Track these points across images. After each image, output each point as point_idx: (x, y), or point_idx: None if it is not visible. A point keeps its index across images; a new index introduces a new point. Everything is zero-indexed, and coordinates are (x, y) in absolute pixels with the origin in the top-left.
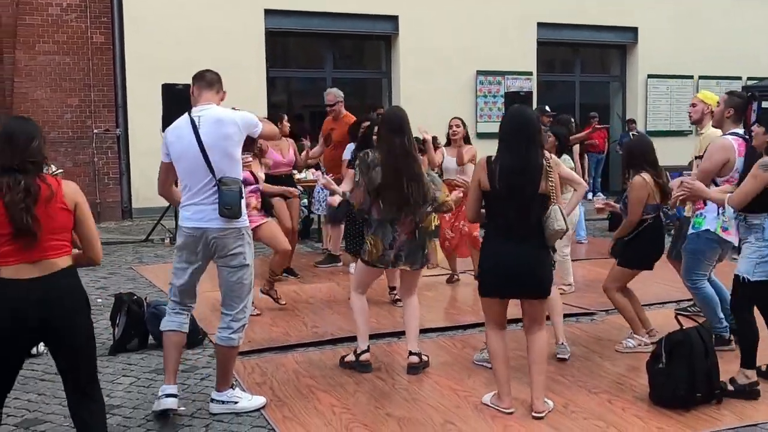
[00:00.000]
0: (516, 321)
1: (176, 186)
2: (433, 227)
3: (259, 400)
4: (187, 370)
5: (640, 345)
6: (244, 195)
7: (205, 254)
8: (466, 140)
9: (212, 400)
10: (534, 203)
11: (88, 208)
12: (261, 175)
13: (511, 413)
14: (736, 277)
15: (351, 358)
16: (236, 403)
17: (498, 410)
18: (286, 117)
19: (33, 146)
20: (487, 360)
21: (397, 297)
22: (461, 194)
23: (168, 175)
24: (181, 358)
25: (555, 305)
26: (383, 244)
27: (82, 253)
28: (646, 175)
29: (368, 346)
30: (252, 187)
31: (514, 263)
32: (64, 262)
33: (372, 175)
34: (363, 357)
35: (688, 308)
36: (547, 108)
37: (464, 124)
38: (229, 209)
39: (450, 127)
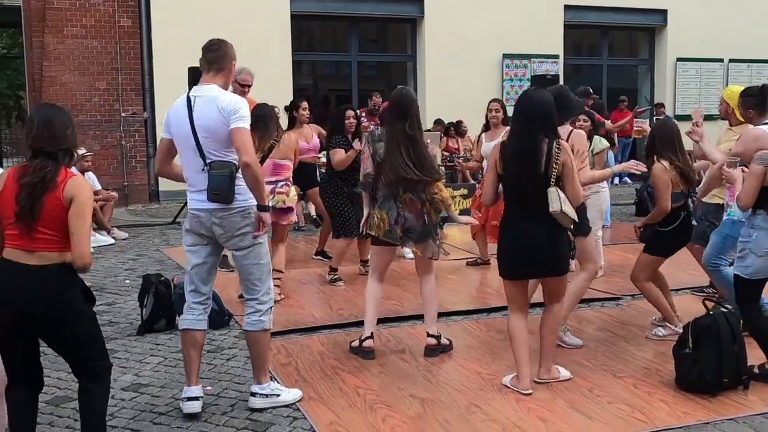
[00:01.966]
0: (534, 305)
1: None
2: (439, 219)
3: (295, 393)
4: (213, 350)
5: (671, 334)
6: (242, 180)
7: (209, 234)
8: (504, 123)
9: (253, 394)
10: (538, 185)
11: (84, 207)
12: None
13: (529, 394)
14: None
15: (356, 343)
16: (278, 396)
17: (517, 391)
18: (305, 104)
19: (68, 134)
20: (564, 342)
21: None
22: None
23: (166, 152)
24: (208, 339)
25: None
26: (389, 218)
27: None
28: (664, 162)
29: (372, 333)
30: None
31: (529, 244)
32: (59, 257)
33: (376, 147)
34: (366, 343)
35: (704, 289)
36: (590, 90)
37: (504, 107)
38: (216, 194)
39: (489, 110)
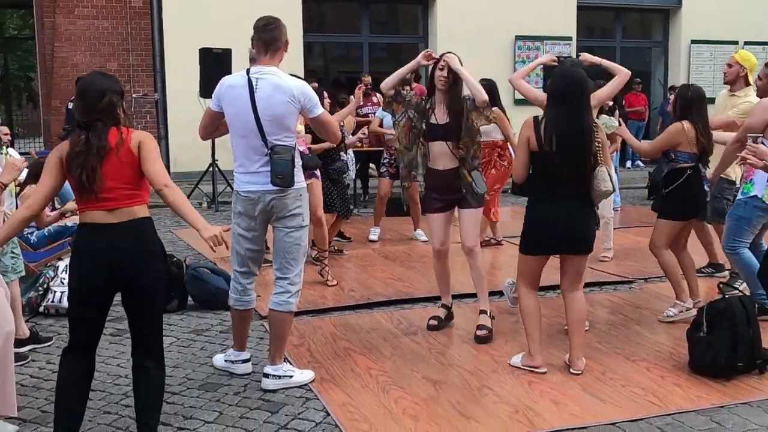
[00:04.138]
0: (547, 288)
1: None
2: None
3: (308, 374)
4: (225, 331)
5: (681, 312)
6: (298, 163)
7: (264, 218)
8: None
9: (266, 375)
10: (584, 164)
11: (153, 146)
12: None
13: (544, 373)
14: None
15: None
16: (291, 377)
17: (530, 370)
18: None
19: (104, 102)
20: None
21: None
22: None
23: (212, 123)
24: (219, 319)
25: None
26: None
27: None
28: (686, 123)
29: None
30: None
31: (565, 221)
32: (140, 211)
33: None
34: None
35: (715, 273)
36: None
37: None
38: (281, 178)
39: None
